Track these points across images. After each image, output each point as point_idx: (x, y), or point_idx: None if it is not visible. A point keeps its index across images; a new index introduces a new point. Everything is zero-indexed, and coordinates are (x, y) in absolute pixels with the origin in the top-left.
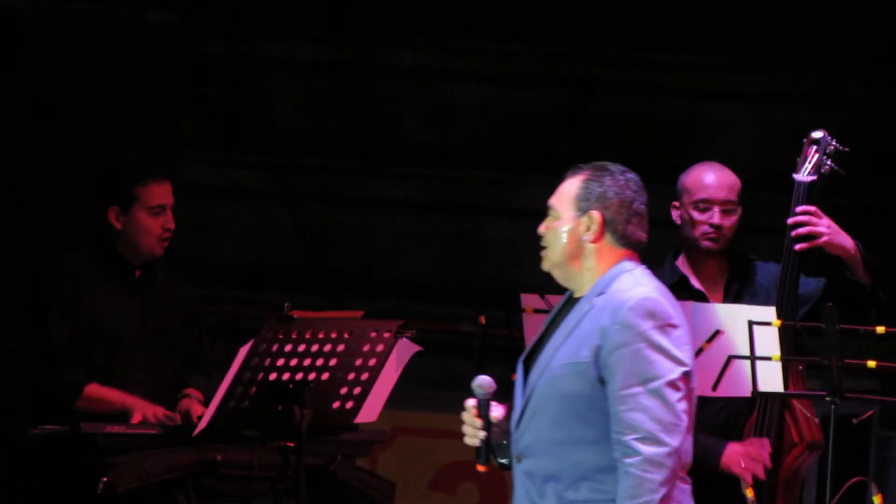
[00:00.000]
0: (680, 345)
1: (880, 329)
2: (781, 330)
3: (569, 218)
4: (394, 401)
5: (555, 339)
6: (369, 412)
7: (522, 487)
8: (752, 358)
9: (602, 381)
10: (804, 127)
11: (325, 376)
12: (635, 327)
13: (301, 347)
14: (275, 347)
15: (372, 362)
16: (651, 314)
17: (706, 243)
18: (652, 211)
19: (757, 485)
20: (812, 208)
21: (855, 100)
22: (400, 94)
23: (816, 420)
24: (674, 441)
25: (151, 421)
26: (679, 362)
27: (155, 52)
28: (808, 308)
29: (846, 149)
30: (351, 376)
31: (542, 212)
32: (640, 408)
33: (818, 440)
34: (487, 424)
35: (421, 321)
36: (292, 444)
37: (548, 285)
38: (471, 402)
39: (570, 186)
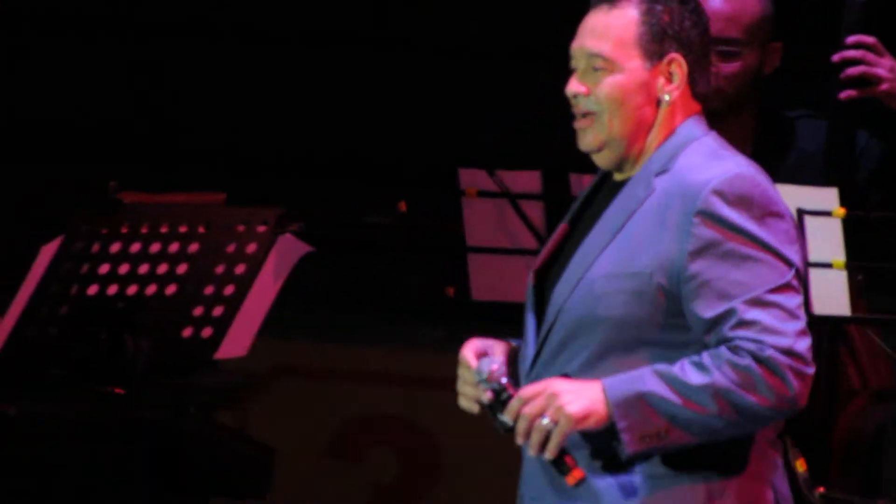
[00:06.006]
0: (789, 242)
1: None
2: (846, 222)
3: (637, 69)
4: (272, 327)
5: (592, 239)
6: (236, 344)
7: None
8: (804, 265)
9: (668, 298)
10: None
11: (170, 290)
12: (726, 218)
13: (135, 247)
14: (95, 247)
15: (240, 270)
16: (747, 200)
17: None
18: None
19: (806, 454)
20: (871, 39)
21: None
22: None
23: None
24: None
25: None
26: (788, 264)
27: None
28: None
29: None
30: (209, 290)
31: None
32: (747, 322)
33: (890, 387)
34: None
35: (311, 209)
36: (121, 391)
37: (502, 154)
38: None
39: (626, 22)
